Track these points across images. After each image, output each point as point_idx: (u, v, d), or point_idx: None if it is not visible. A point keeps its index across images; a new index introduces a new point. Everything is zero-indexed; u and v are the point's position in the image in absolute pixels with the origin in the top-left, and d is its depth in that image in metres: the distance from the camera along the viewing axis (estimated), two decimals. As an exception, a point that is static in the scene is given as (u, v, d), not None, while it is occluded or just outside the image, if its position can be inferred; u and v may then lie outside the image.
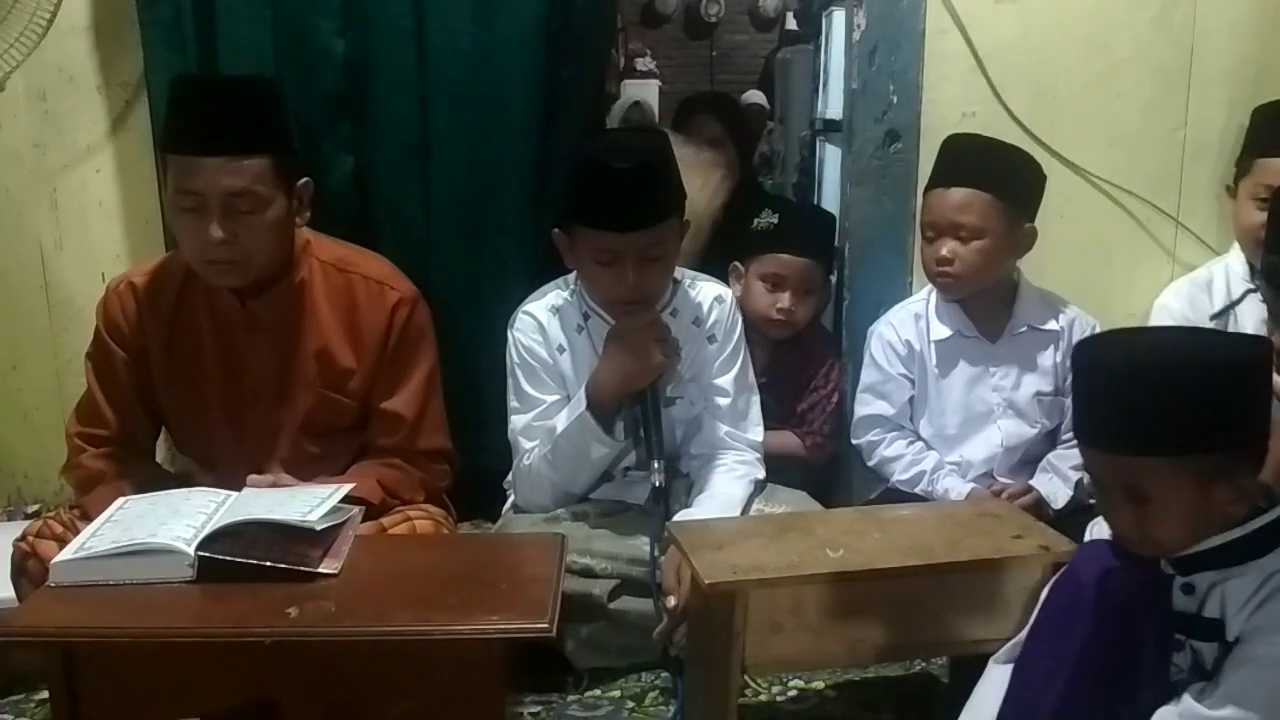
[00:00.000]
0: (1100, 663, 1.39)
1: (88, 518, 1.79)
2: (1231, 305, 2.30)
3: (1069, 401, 2.27)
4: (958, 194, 2.17)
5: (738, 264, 2.51)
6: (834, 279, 2.57)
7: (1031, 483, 2.20)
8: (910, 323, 2.32)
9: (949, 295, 2.26)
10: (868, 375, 2.36)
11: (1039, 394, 2.27)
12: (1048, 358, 2.28)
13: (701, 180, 2.60)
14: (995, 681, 1.53)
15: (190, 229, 1.84)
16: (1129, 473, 1.36)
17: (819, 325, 2.61)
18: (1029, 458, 2.30)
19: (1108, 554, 1.44)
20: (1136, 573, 1.40)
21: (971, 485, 2.22)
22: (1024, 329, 2.28)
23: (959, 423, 2.29)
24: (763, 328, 2.44)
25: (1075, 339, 2.27)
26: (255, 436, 2.00)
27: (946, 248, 2.18)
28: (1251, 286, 2.27)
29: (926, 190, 2.27)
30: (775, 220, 2.49)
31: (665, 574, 1.89)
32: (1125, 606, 1.39)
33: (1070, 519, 2.00)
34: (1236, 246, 2.35)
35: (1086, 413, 1.42)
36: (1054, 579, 1.53)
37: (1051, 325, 2.28)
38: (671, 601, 1.86)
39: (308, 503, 1.67)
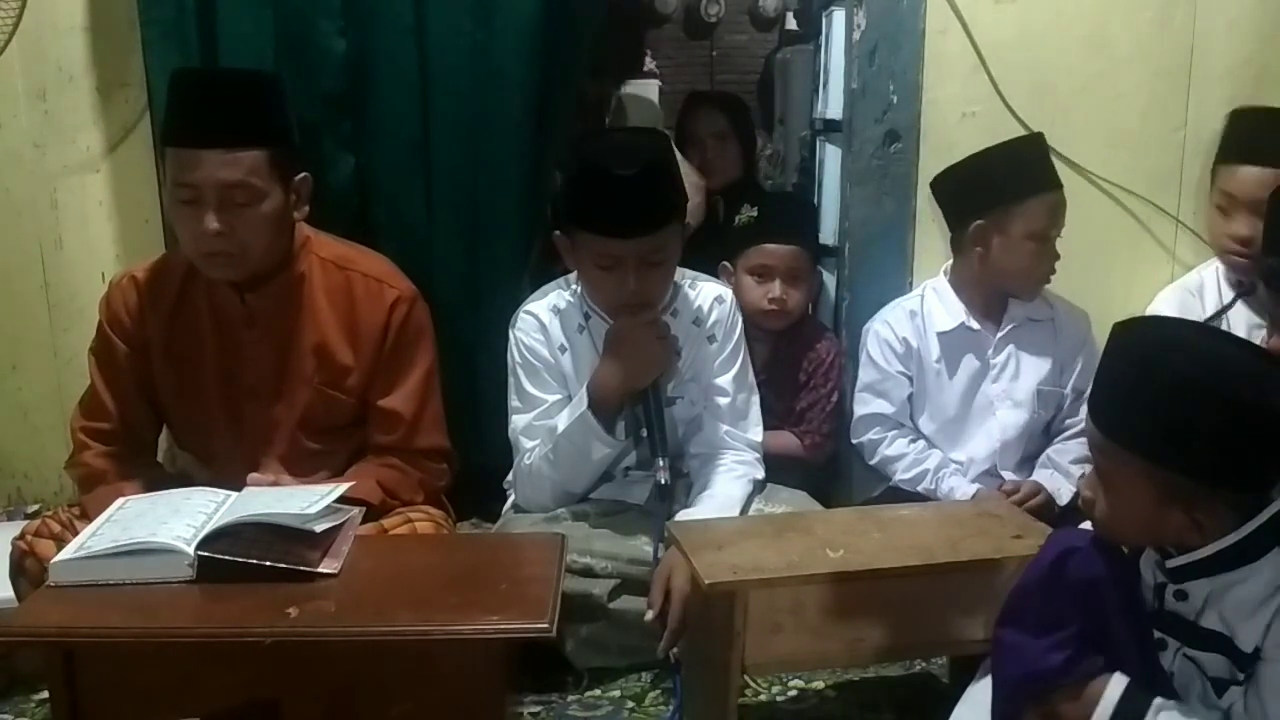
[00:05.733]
0: (1062, 628, 1.39)
1: (87, 517, 1.79)
2: (1223, 310, 2.30)
3: (1066, 392, 2.29)
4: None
5: (726, 264, 2.52)
6: (821, 269, 2.59)
7: (1035, 479, 2.21)
8: (905, 320, 2.33)
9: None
10: (865, 374, 2.36)
11: (1038, 385, 2.28)
12: (1046, 348, 2.29)
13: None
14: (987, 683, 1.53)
15: (187, 221, 1.84)
16: (1103, 450, 1.36)
17: (814, 318, 2.62)
18: (1029, 454, 2.31)
19: (1072, 538, 1.44)
20: (1099, 555, 1.40)
21: (976, 486, 2.22)
22: (1022, 321, 2.29)
23: (959, 417, 2.30)
24: (758, 320, 2.45)
25: (1068, 329, 2.30)
26: (253, 432, 2.00)
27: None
28: (1242, 290, 2.28)
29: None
30: (755, 213, 2.53)
31: (652, 586, 1.88)
32: (1087, 587, 1.38)
33: (1074, 516, 2.00)
34: None
35: (1100, 378, 1.39)
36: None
37: (1046, 316, 2.30)
38: (649, 616, 1.86)
39: (307, 499, 1.67)
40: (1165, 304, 2.35)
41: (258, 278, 1.94)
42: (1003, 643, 1.44)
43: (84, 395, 2.05)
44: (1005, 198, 2.21)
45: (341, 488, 1.75)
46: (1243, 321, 2.24)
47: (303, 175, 1.94)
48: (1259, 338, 1.99)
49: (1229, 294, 2.31)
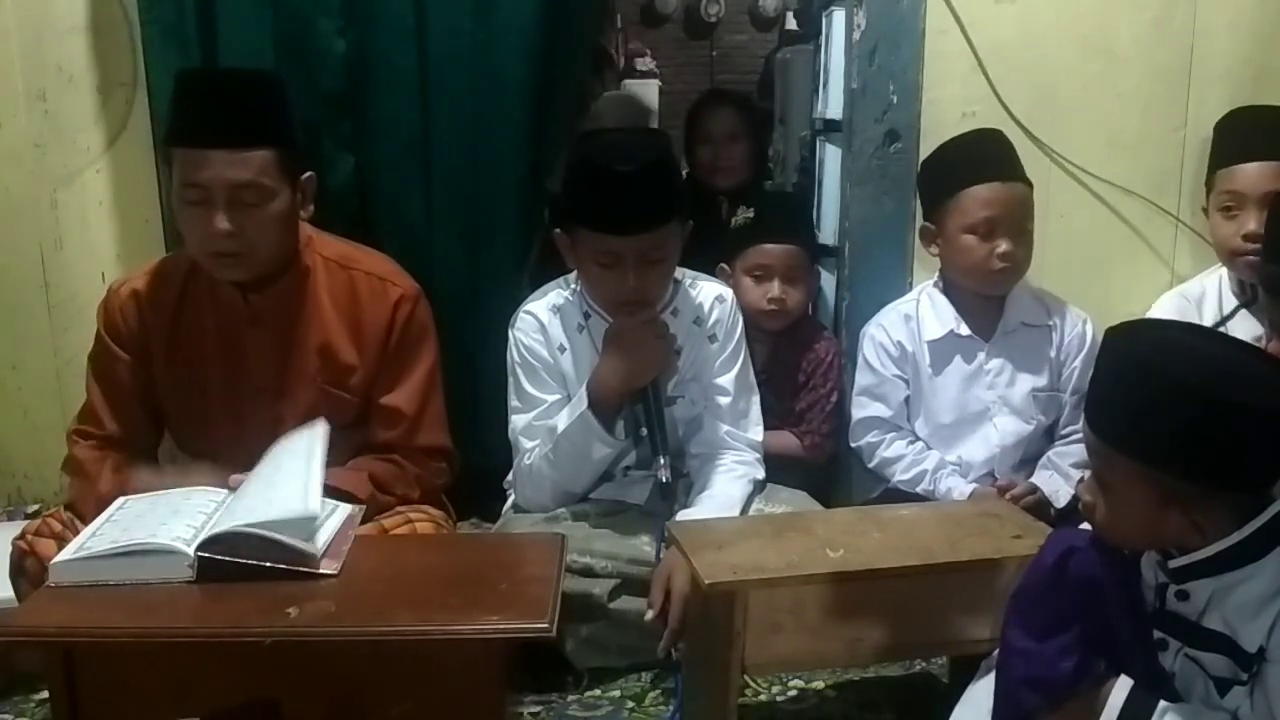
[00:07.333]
0: (1067, 629, 1.39)
1: (83, 516, 1.78)
2: (1223, 320, 2.28)
3: (1066, 397, 2.28)
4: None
5: (724, 265, 2.52)
6: (820, 269, 2.59)
7: (1034, 480, 2.21)
8: (900, 324, 2.32)
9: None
10: (862, 378, 2.36)
11: (1034, 390, 2.27)
12: (1042, 354, 2.28)
13: None
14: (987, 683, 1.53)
15: (195, 222, 1.84)
16: (1100, 455, 1.36)
17: (813, 318, 2.62)
18: (1029, 456, 2.30)
19: (1072, 537, 1.44)
20: (1099, 555, 1.39)
21: (974, 486, 2.22)
22: (1017, 326, 2.28)
23: (955, 422, 2.29)
24: (758, 320, 2.45)
25: (1068, 334, 2.28)
26: (256, 432, 1.99)
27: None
28: (1245, 299, 2.27)
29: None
30: (750, 214, 2.57)
31: (652, 586, 1.89)
32: (1087, 586, 1.39)
33: (1072, 518, 2.00)
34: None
35: (1094, 382, 1.39)
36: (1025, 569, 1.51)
37: (1044, 321, 2.29)
38: (649, 615, 1.86)
39: (294, 487, 1.63)
40: (1162, 310, 2.33)
41: (262, 277, 1.94)
42: (1010, 646, 1.44)
43: (81, 408, 2.03)
44: (937, 196, 2.24)
45: (321, 475, 1.68)
46: (1243, 331, 2.23)
47: (308, 175, 1.95)
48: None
49: (1231, 303, 2.28)
